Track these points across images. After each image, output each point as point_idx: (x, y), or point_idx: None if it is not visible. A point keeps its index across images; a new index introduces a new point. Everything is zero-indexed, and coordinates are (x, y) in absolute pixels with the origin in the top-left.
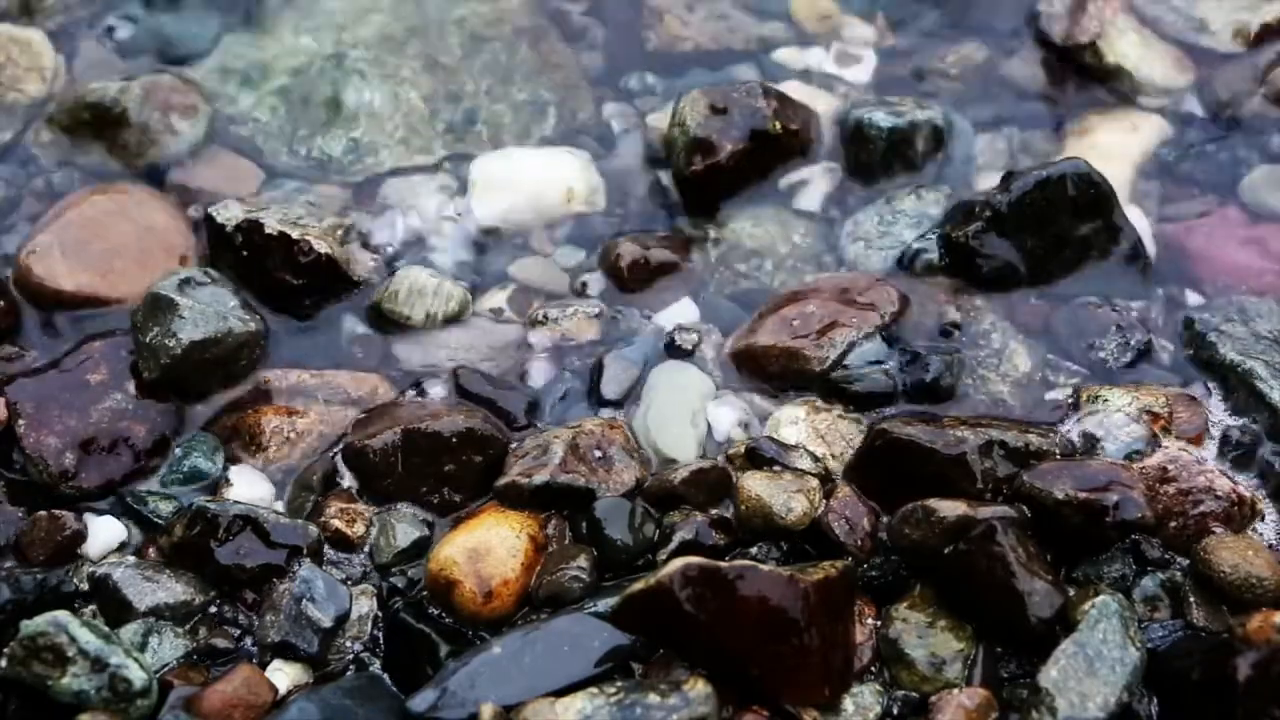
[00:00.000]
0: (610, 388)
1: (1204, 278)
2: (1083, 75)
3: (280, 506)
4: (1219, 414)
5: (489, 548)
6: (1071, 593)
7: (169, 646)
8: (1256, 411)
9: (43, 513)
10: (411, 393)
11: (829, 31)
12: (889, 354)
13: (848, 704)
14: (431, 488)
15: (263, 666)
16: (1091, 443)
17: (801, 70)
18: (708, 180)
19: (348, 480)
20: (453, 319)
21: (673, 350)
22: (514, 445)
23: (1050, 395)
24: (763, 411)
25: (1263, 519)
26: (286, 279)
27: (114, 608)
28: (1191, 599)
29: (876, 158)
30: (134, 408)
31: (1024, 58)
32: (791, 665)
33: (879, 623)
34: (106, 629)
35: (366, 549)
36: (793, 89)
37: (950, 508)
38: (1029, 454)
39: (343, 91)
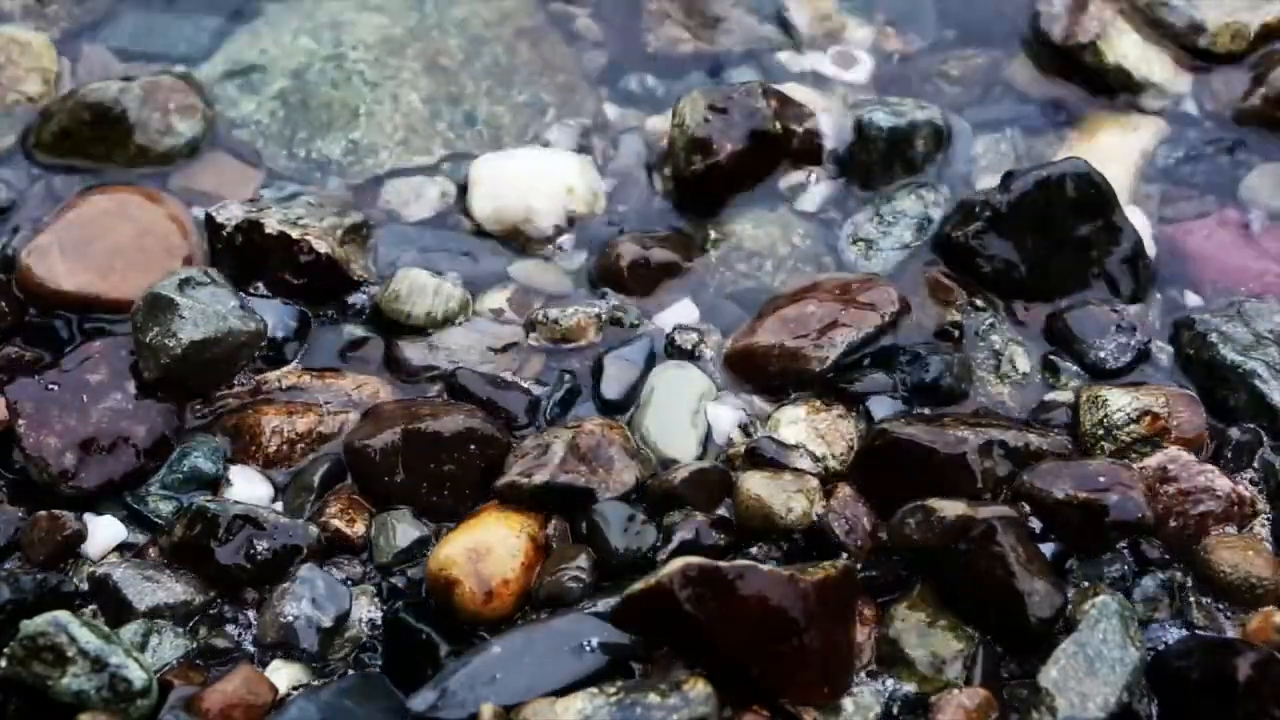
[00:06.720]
0: (610, 388)
1: (1204, 278)
2: (1083, 76)
3: (280, 506)
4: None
5: (489, 548)
6: (1071, 593)
7: (169, 646)
8: (1257, 412)
9: (43, 513)
10: (411, 392)
11: (829, 33)
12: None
13: (848, 704)
14: (432, 487)
15: (263, 666)
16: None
17: (801, 72)
18: (708, 180)
19: (348, 480)
20: (452, 319)
21: (673, 350)
22: (514, 445)
23: (1050, 395)
24: (763, 411)
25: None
26: (287, 279)
27: (114, 608)
28: (1191, 599)
29: (877, 158)
30: (134, 408)
31: (1023, 58)
32: (791, 665)
33: (879, 623)
34: (106, 629)
35: (367, 549)
36: (792, 90)
37: (950, 508)
38: (1029, 454)
39: (342, 93)
